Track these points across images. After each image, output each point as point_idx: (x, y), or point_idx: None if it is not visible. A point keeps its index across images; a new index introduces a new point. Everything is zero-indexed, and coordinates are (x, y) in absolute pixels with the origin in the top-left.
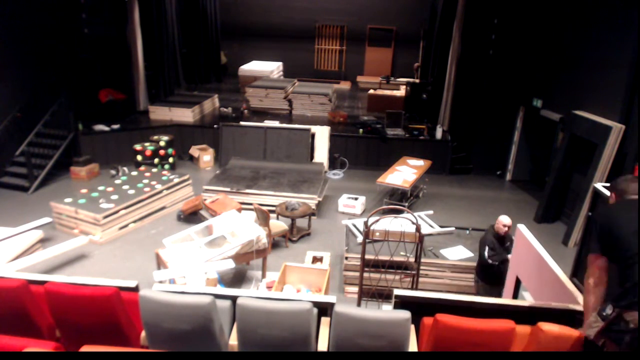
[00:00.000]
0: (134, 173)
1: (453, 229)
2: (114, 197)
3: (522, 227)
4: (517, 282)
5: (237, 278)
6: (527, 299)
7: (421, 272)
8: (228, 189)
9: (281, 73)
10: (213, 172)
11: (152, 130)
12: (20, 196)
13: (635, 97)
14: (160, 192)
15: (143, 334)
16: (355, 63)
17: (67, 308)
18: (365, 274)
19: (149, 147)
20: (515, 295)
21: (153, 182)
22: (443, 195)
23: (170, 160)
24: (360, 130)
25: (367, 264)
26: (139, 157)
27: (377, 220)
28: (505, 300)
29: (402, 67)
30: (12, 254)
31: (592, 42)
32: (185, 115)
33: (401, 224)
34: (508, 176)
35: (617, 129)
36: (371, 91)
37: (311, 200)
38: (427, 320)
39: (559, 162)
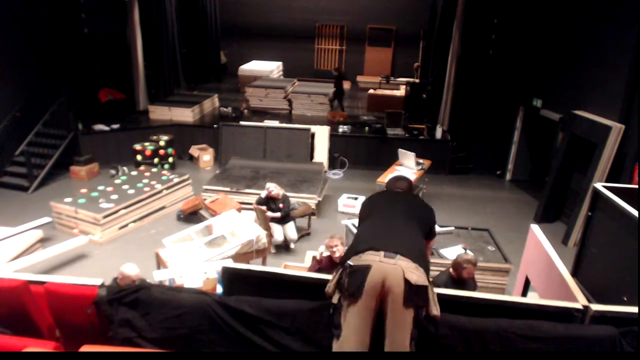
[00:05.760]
0: (134, 173)
1: (452, 228)
2: (114, 196)
3: (534, 227)
4: (527, 282)
5: None
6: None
7: None
8: (228, 189)
9: (281, 73)
10: (213, 171)
11: (152, 130)
12: (20, 196)
13: (635, 97)
14: (160, 191)
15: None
16: (355, 63)
17: (66, 308)
18: None
19: (149, 147)
20: (523, 295)
21: (153, 182)
22: (443, 195)
23: (170, 160)
24: (366, 128)
25: None
26: (139, 157)
27: None
28: (504, 297)
29: (402, 67)
30: (12, 254)
31: (592, 42)
32: (185, 115)
33: None
34: (508, 176)
35: (617, 129)
36: (371, 91)
37: (311, 200)
38: None
39: (558, 162)
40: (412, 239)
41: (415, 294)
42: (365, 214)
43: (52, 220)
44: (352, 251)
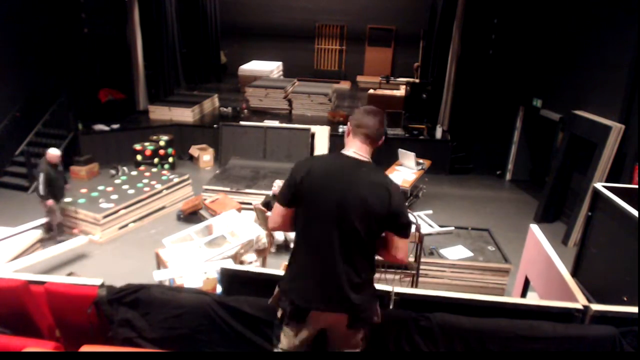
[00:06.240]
0: (134, 173)
1: (452, 228)
2: (114, 196)
3: (534, 227)
4: (526, 282)
5: None
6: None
7: (421, 271)
8: (228, 189)
9: (281, 73)
10: (213, 171)
11: (152, 130)
12: (20, 196)
13: (635, 97)
14: (160, 191)
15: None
16: (355, 63)
17: (66, 308)
18: None
19: (149, 147)
20: (523, 295)
21: (153, 182)
22: (443, 195)
23: (170, 160)
24: None
25: None
26: (139, 157)
27: None
28: (505, 298)
29: (402, 67)
30: (12, 254)
31: (592, 42)
32: (185, 115)
33: None
34: (508, 176)
35: (616, 129)
36: (371, 91)
37: None
38: None
39: (558, 162)
40: (353, 279)
41: (361, 320)
42: (300, 211)
43: None
44: (286, 292)
